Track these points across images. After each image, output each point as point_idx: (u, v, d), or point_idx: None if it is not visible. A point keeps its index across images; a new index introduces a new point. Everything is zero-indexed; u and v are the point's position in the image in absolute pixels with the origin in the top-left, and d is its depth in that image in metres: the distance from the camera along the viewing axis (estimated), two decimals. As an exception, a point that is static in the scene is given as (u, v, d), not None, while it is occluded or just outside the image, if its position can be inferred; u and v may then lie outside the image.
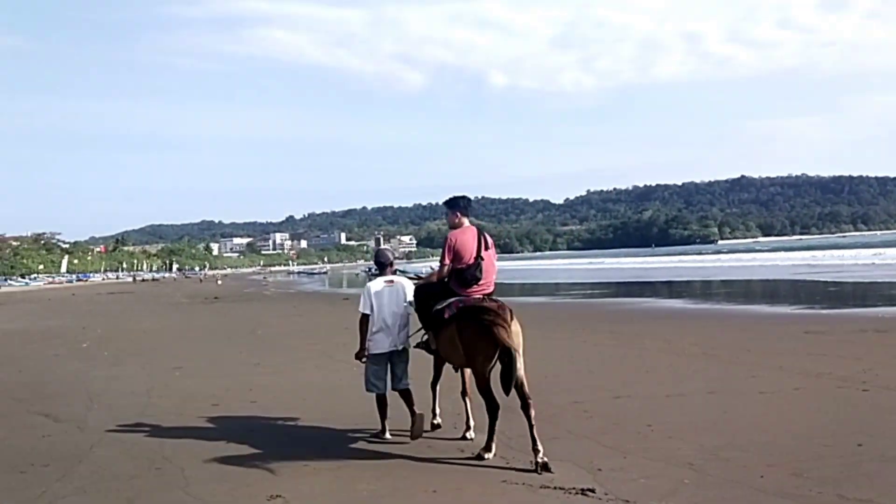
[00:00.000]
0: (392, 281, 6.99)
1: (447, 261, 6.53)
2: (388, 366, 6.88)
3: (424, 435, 6.67)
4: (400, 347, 6.88)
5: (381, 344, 6.81)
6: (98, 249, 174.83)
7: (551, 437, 6.69)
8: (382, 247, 9.40)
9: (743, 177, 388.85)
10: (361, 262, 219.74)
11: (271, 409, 8.63)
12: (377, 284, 6.96)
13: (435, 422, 7.13)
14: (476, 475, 5.67)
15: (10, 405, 9.46)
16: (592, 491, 5.10)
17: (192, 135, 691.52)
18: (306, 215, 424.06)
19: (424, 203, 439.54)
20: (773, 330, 15.24)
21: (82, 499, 5.39)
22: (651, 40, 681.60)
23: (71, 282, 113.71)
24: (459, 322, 6.20)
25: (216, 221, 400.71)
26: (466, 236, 6.59)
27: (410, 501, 5.15)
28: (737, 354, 11.58)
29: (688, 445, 6.24)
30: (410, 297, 6.93)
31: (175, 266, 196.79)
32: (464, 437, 6.74)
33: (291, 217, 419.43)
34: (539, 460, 5.69)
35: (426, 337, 6.87)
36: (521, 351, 5.99)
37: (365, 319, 6.84)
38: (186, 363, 12.85)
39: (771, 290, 33.98)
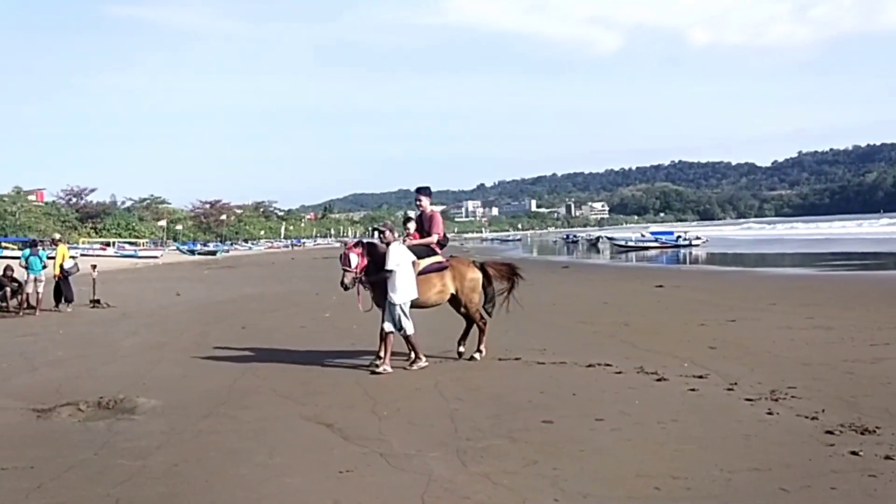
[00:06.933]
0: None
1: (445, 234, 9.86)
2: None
3: None
4: None
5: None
6: (308, 217, 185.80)
7: None
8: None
9: None
10: (552, 229, 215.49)
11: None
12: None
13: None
14: None
15: (279, 406, 7.53)
16: None
17: (389, 107, 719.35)
18: (497, 183, 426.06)
19: (616, 168, 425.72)
20: None
21: None
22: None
23: (288, 246, 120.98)
24: (454, 269, 9.43)
25: (412, 190, 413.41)
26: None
27: None
28: None
29: None
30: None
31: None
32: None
33: (482, 185, 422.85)
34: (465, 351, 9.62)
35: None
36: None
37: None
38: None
39: None
